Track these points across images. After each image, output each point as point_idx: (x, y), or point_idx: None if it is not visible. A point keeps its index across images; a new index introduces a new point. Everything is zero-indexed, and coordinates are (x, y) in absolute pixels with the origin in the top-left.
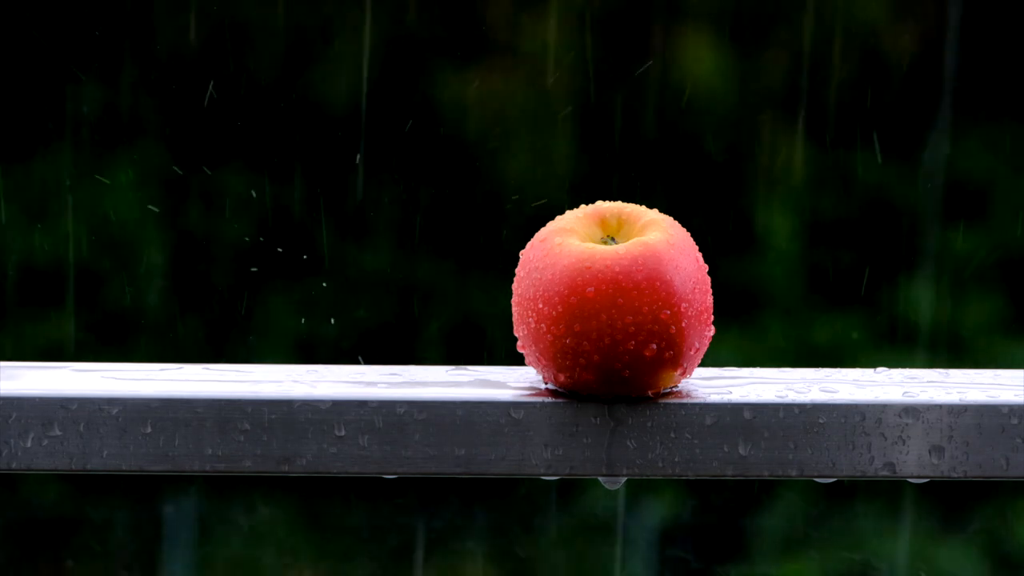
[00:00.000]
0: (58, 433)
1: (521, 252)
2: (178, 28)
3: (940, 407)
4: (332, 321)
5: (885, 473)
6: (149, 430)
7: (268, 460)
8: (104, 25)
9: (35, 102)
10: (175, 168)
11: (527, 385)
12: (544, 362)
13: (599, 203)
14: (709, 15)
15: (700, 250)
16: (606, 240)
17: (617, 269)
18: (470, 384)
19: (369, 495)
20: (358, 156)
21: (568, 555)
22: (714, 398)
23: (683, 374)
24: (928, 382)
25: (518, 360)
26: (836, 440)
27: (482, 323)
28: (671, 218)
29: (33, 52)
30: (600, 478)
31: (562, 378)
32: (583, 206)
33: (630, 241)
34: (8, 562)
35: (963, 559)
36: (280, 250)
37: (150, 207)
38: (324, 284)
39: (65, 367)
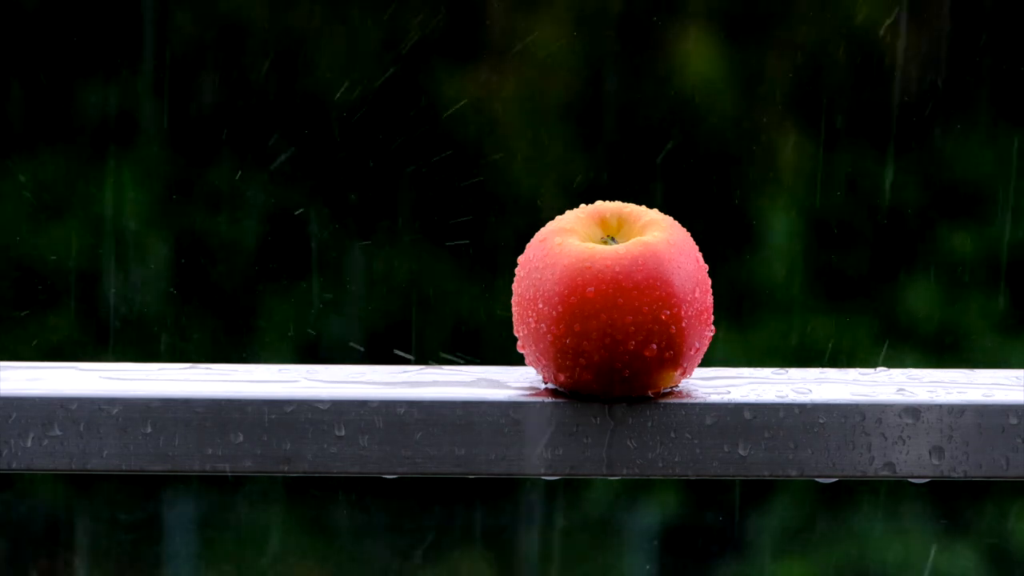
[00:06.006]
0: (58, 433)
1: (521, 252)
2: (179, 28)
3: (940, 407)
4: (332, 321)
5: (885, 473)
6: (149, 430)
7: (268, 460)
8: (105, 24)
9: (37, 101)
10: (176, 168)
11: (527, 385)
12: (544, 362)
13: (599, 203)
14: (710, 14)
15: (700, 250)
16: (606, 240)
17: (617, 269)
18: (470, 384)
19: (369, 495)
20: (359, 156)
21: (568, 555)
22: (714, 398)
23: (683, 374)
24: (928, 382)
25: (518, 360)
26: (836, 440)
27: (482, 323)
28: (671, 218)
29: (35, 51)
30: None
31: (562, 378)
32: (583, 206)
33: (630, 241)
34: (7, 562)
35: (963, 559)
36: (281, 250)
37: (150, 207)
38: (325, 284)
39: (65, 367)
